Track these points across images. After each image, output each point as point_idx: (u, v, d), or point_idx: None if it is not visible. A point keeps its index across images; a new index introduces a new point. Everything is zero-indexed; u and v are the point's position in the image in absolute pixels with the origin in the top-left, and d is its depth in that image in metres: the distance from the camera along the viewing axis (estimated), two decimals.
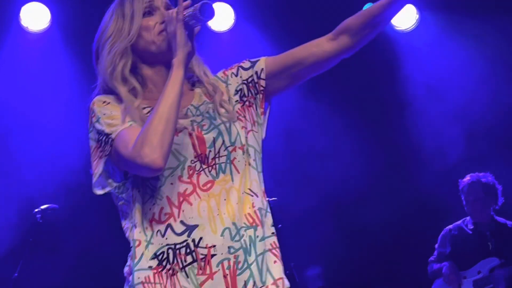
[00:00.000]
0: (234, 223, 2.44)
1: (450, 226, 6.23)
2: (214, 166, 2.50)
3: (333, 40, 2.59)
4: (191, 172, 2.47)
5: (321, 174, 6.92)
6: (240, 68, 2.65)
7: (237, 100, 2.61)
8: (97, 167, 2.47)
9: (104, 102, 2.51)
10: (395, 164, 7.10)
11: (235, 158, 2.53)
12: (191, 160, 2.47)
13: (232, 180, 2.51)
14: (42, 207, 5.66)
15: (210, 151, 2.50)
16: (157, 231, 2.43)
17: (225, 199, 2.47)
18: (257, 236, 2.47)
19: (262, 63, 2.62)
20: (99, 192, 2.49)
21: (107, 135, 2.44)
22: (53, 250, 6.23)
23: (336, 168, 6.89)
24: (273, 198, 5.47)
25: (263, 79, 2.61)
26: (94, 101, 2.53)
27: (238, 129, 2.55)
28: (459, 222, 6.21)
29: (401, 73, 6.85)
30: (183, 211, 2.43)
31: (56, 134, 6.41)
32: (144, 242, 2.44)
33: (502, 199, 6.08)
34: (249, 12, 6.57)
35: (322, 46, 2.60)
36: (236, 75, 2.64)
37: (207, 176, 2.48)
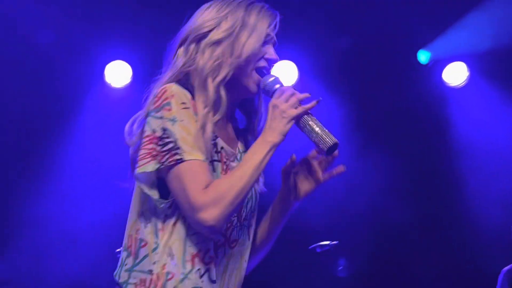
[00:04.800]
0: None
1: (508, 267, 6.12)
2: (241, 227, 2.36)
3: None
4: (228, 224, 2.30)
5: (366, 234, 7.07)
6: None
7: None
8: (147, 165, 2.18)
9: (183, 103, 2.20)
10: (443, 218, 7.23)
11: (251, 225, 2.42)
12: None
13: (246, 247, 2.41)
14: None
15: (243, 210, 2.35)
16: (197, 270, 2.24)
17: (238, 264, 2.39)
18: None
19: None
20: (143, 187, 2.22)
21: (178, 148, 2.16)
22: None
23: (384, 224, 7.06)
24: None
25: None
26: (173, 91, 2.20)
27: (258, 196, 2.45)
28: None
29: (451, 126, 7.11)
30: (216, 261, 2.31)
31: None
32: (180, 275, 2.22)
33: None
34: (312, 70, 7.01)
35: None
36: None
37: (236, 234, 2.34)
